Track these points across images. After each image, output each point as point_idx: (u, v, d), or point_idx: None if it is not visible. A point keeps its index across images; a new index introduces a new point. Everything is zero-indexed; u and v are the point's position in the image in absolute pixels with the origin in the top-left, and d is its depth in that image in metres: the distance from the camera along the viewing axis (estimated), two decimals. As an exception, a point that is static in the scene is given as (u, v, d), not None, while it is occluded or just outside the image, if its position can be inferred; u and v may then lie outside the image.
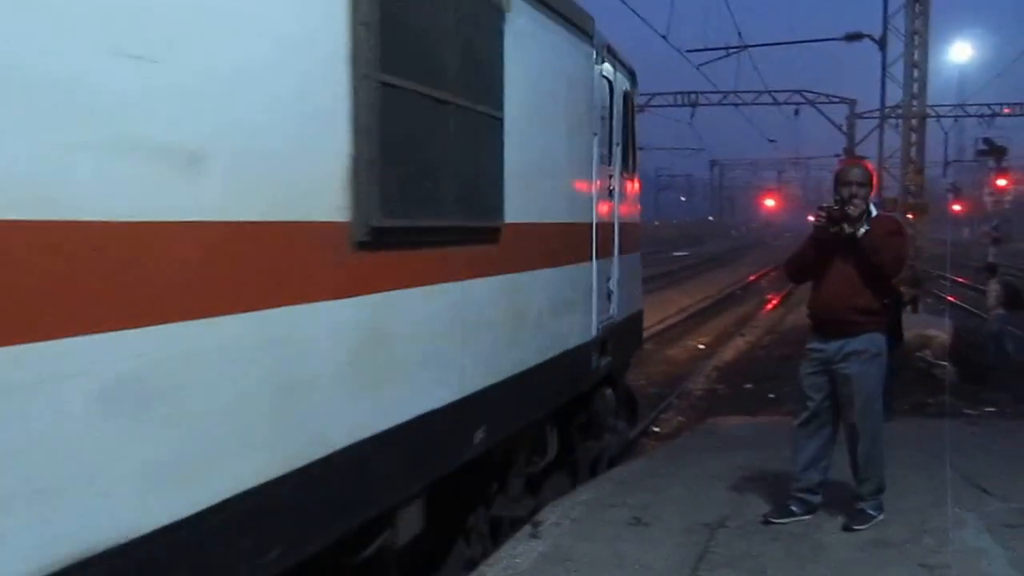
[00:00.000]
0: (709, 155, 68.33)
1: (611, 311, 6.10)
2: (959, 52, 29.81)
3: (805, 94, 29.58)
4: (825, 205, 4.63)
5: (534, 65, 4.40)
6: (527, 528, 4.63)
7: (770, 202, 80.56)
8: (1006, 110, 29.57)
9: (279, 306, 2.51)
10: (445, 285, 3.54)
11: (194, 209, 2.22)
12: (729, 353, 15.77)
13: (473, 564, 4.38)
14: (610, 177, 6.06)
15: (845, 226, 4.47)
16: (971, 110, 30.53)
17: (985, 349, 13.35)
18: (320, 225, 2.72)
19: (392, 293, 3.11)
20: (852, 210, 4.48)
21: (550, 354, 4.81)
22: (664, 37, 15.15)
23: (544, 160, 4.69)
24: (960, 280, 24.83)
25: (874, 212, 4.72)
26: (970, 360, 12.18)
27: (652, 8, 13.31)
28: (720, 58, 22.76)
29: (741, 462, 6.10)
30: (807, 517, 4.76)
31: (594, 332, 5.69)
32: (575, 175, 5.33)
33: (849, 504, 4.79)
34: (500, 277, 4.06)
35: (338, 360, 2.85)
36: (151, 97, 2.07)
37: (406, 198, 3.14)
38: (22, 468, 1.78)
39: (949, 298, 20.14)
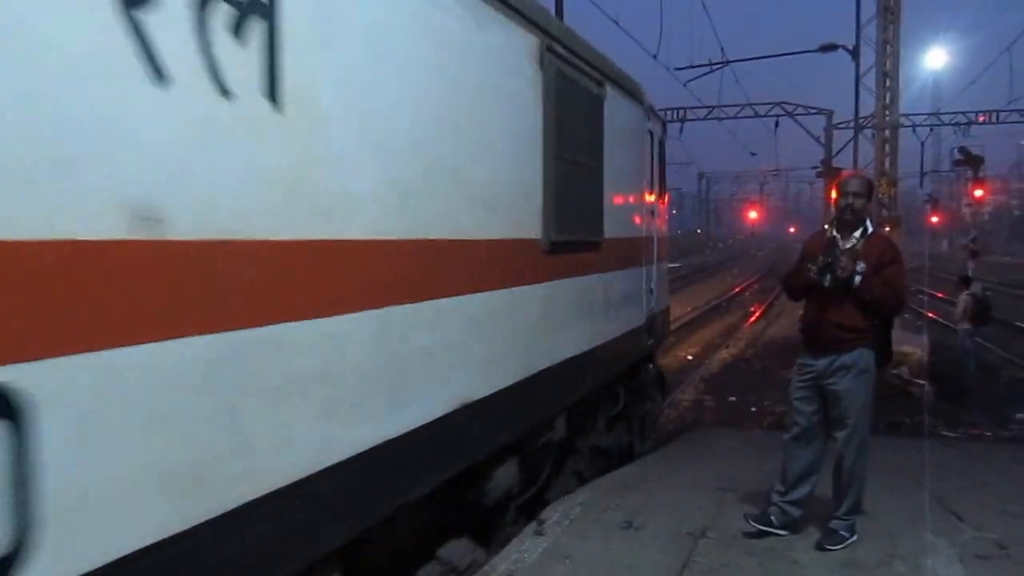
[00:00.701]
0: (696, 169, 68.73)
1: (652, 304, 7.78)
2: (934, 59, 30.00)
3: (784, 106, 29.73)
4: (815, 267, 4.60)
5: (616, 127, 6.21)
6: (532, 525, 5.02)
7: (753, 214, 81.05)
8: (980, 118, 29.70)
9: (514, 287, 4.37)
10: (575, 279, 5.38)
11: (488, 231, 4.07)
12: (715, 365, 16.17)
13: (580, 477, 6.19)
14: (652, 203, 7.81)
15: (841, 273, 4.51)
16: (946, 118, 30.67)
17: (962, 366, 13.30)
18: (530, 240, 4.62)
19: (555, 282, 4.98)
20: (842, 272, 4.49)
21: (622, 331, 6.67)
22: (655, 56, 15.34)
23: (620, 193, 6.57)
24: (940, 295, 24.86)
25: (870, 228, 4.72)
26: (947, 378, 12.13)
27: (643, 29, 13.49)
28: (705, 74, 22.98)
29: (723, 472, 6.35)
30: (783, 533, 4.77)
31: (644, 319, 7.44)
32: (636, 202, 7.20)
33: (825, 523, 4.80)
34: (599, 274, 5.94)
35: (534, 320, 4.69)
36: (487, 177, 4.06)
37: (563, 224, 4.96)
38: (445, 358, 3.60)
39: (929, 314, 20.10)
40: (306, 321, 2.65)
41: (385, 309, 3.12)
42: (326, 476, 2.74)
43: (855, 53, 17.99)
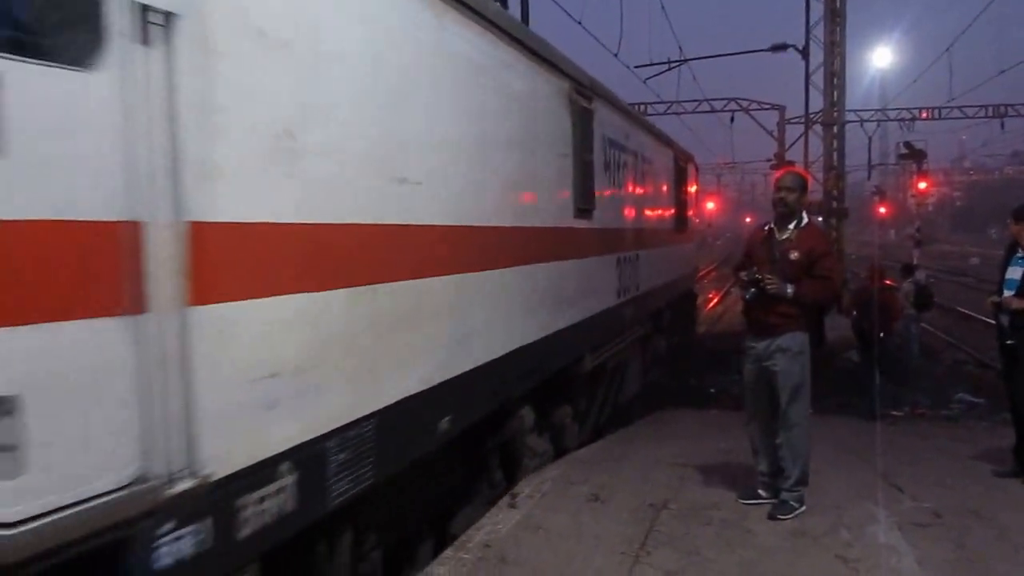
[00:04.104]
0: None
1: (695, 261, 15.70)
2: (880, 58, 30.92)
3: (739, 101, 30.29)
4: (745, 277, 5.01)
5: (687, 179, 13.18)
6: (506, 499, 5.19)
7: (711, 204, 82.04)
8: (924, 114, 30.75)
9: (666, 246, 11.33)
10: (679, 244, 12.63)
11: (662, 227, 11.16)
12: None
13: (676, 328, 12.99)
14: (694, 209, 14.85)
15: (770, 290, 4.88)
16: (892, 114, 31.65)
17: (907, 350, 13.81)
18: (671, 229, 11.85)
19: (673, 245, 11.91)
20: (770, 290, 4.85)
21: (689, 270, 14.46)
22: (615, 55, 15.70)
23: (688, 206, 13.33)
24: (888, 283, 25.66)
25: (805, 219, 5.04)
26: (893, 361, 12.60)
27: (605, 29, 13.88)
28: (663, 72, 23.33)
29: (684, 450, 6.65)
30: (775, 500, 5.06)
31: (693, 267, 15.17)
32: (691, 209, 13.80)
33: (775, 494, 5.11)
34: (683, 243, 12.99)
35: (670, 260, 11.69)
36: (664, 207, 11.43)
37: (678, 222, 12.21)
38: (653, 270, 9.89)
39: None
40: (645, 250, 9.10)
41: (640, 251, 8.74)
42: (624, 304, 8.01)
43: (805, 53, 18.54)
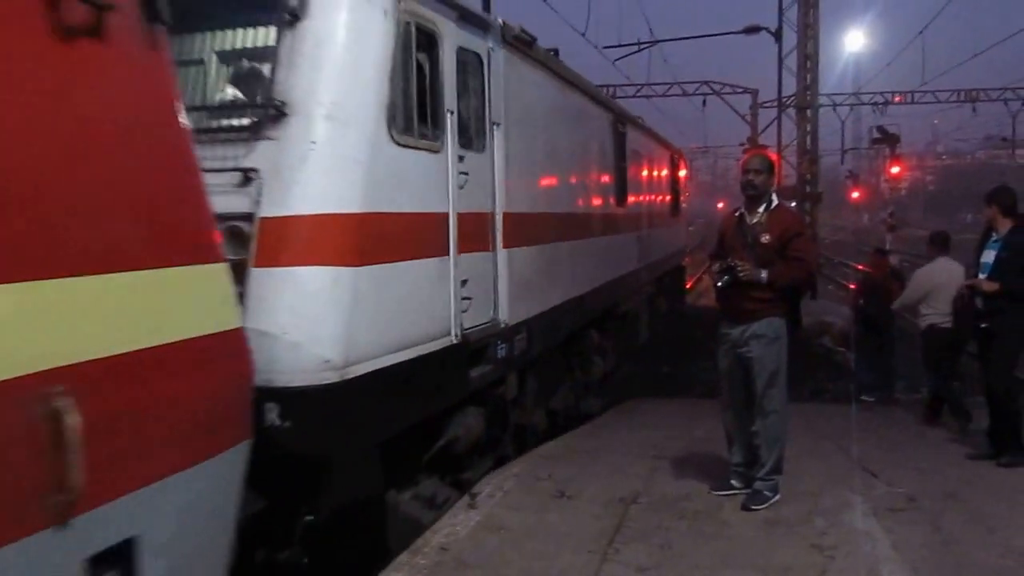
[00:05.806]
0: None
1: (683, 241, 19.28)
2: (853, 41, 31.04)
3: (711, 84, 30.26)
4: (717, 268, 4.94)
5: (677, 170, 16.36)
6: (465, 499, 5.03)
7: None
8: (897, 98, 30.98)
9: (668, 226, 15.47)
10: (675, 226, 16.47)
11: (664, 210, 15.02)
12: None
13: (675, 292, 17.74)
14: (683, 196, 17.96)
15: (743, 276, 4.81)
16: (865, 98, 31.85)
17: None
18: (669, 213, 15.64)
19: (672, 227, 15.92)
20: (744, 275, 4.78)
21: (681, 245, 18.36)
22: (583, 34, 15.50)
23: (681, 193, 17.18)
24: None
25: (775, 201, 4.99)
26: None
27: (571, 7, 13.71)
28: (633, 53, 23.17)
29: (656, 441, 6.56)
30: (748, 490, 5.00)
31: (683, 244, 19.11)
32: (679, 197, 16.83)
33: (749, 484, 5.04)
34: (679, 225, 17.35)
35: (670, 234, 15.60)
36: (667, 196, 15.54)
37: (672, 208, 15.69)
38: (657, 242, 13.59)
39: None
40: (652, 229, 12.51)
41: (650, 230, 12.15)
42: (641, 268, 11.34)
43: (778, 35, 18.50)
